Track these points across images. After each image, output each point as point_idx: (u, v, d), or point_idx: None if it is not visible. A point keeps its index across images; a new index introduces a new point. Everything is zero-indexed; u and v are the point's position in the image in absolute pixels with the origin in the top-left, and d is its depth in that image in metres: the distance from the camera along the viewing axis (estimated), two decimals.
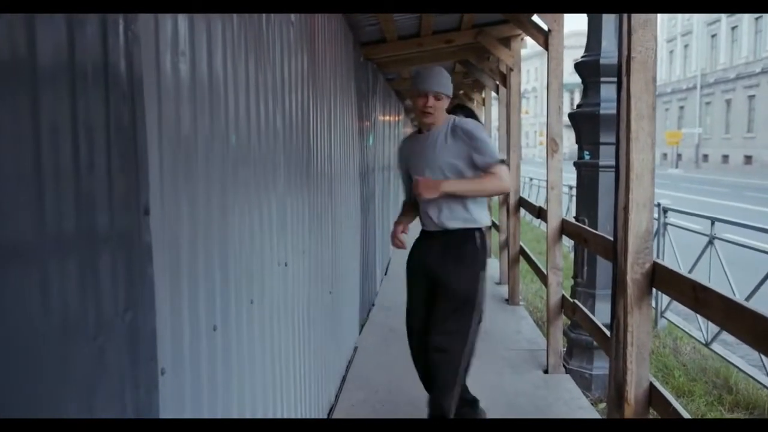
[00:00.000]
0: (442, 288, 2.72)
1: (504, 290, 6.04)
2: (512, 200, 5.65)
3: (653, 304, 5.30)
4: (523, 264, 5.69)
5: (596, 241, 3.13)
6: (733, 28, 34.45)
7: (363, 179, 5.05)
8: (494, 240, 7.52)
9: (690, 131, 35.83)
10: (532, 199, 10.24)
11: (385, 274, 7.19)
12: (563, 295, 3.90)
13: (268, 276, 2.09)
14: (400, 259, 8.10)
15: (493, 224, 7.36)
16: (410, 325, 3.01)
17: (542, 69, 61.98)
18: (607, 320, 4.06)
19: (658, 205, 5.44)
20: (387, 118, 7.71)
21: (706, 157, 36.14)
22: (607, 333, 3.41)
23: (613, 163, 4.20)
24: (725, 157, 34.24)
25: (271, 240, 2.15)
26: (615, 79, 4.08)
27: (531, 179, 14.96)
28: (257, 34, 2.00)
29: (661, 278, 2.32)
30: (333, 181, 3.46)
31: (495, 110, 11.12)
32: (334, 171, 3.51)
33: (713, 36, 36.54)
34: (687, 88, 38.92)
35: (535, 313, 5.79)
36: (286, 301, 2.34)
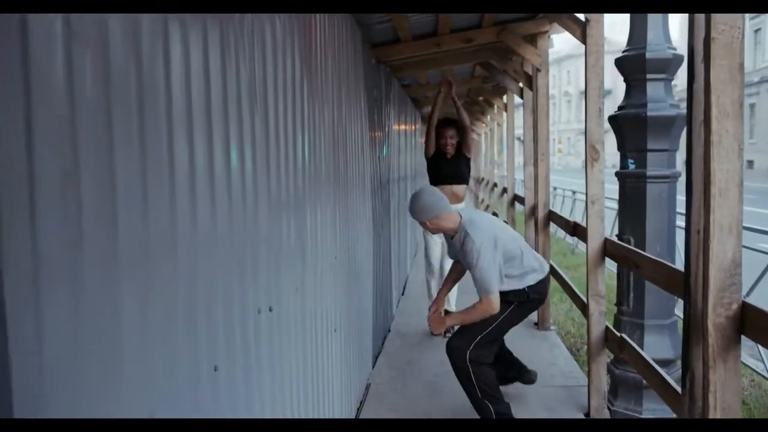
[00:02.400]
0: None
1: (533, 313, 5.47)
2: (541, 214, 5.12)
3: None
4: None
5: (654, 268, 2.59)
6: (756, 31, 33.79)
7: (375, 193, 4.56)
8: None
9: None
10: (555, 209, 9.64)
11: (402, 294, 6.67)
12: (607, 327, 3.35)
13: (240, 330, 1.60)
14: (418, 276, 7.65)
15: None
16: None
17: (558, 76, 61.20)
18: (658, 355, 3.53)
19: None
20: (403, 127, 7.21)
21: None
22: (659, 371, 2.88)
23: (662, 172, 3.67)
24: (750, 163, 33.80)
25: (244, 282, 1.66)
26: (662, 76, 3.57)
27: (555, 188, 14.36)
28: (224, 30, 1.53)
29: (754, 324, 1.79)
30: (338, 198, 2.98)
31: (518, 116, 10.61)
32: (339, 187, 3.02)
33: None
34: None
35: (567, 338, 5.24)
36: (271, 357, 1.85)
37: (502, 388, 3.29)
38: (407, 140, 8.02)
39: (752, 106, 33.98)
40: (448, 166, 4.77)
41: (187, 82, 1.33)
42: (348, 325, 3.19)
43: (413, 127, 9.06)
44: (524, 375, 3.65)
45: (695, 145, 1.98)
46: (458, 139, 4.79)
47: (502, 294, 3.01)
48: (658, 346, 3.39)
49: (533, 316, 5.31)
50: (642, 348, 3.36)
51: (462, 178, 4.81)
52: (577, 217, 10.56)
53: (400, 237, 6.66)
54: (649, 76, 3.42)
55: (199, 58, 1.39)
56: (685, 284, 2.06)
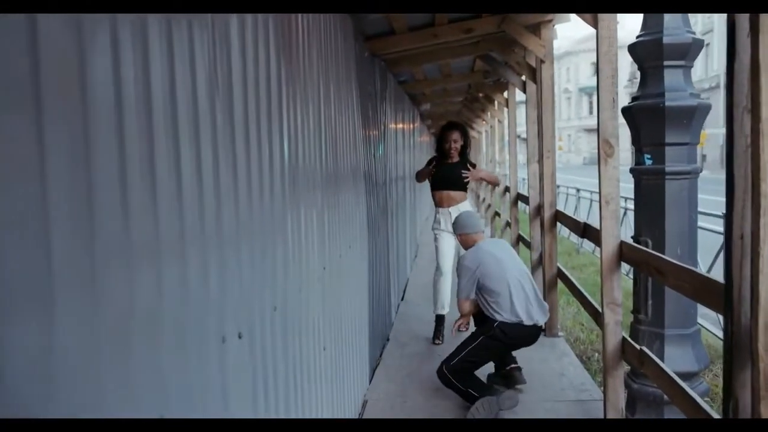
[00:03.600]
0: None
1: None
2: (547, 213, 4.83)
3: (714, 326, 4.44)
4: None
5: (681, 276, 2.30)
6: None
7: (371, 194, 4.27)
8: (524, 256, 6.69)
9: (714, 131, 34.61)
10: (557, 208, 9.35)
11: (402, 298, 6.37)
12: (624, 338, 3.06)
13: (198, 362, 1.32)
14: (418, 279, 7.36)
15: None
16: None
17: (558, 73, 60.71)
18: (681, 368, 3.24)
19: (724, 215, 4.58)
20: (400, 125, 6.91)
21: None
22: (687, 390, 2.59)
23: (682, 168, 3.38)
24: None
25: (207, 306, 1.37)
26: (681, 63, 3.26)
27: (558, 186, 14.04)
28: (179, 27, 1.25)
29: None
30: (326, 202, 2.69)
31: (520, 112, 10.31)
32: (328, 189, 2.74)
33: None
34: (710, 87, 37.41)
35: (577, 345, 4.94)
36: (241, 390, 1.56)
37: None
38: (405, 138, 7.73)
39: None
40: (451, 172, 4.75)
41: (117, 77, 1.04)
42: (340, 340, 2.90)
43: (411, 126, 8.76)
44: (512, 376, 3.77)
45: (737, 136, 1.69)
46: (462, 143, 4.74)
47: (487, 317, 3.56)
48: (680, 358, 3.11)
49: None
50: (662, 360, 3.07)
51: (461, 185, 4.78)
52: (582, 216, 10.36)
53: (398, 239, 6.37)
54: (666, 62, 3.14)
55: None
56: (725, 298, 1.77)
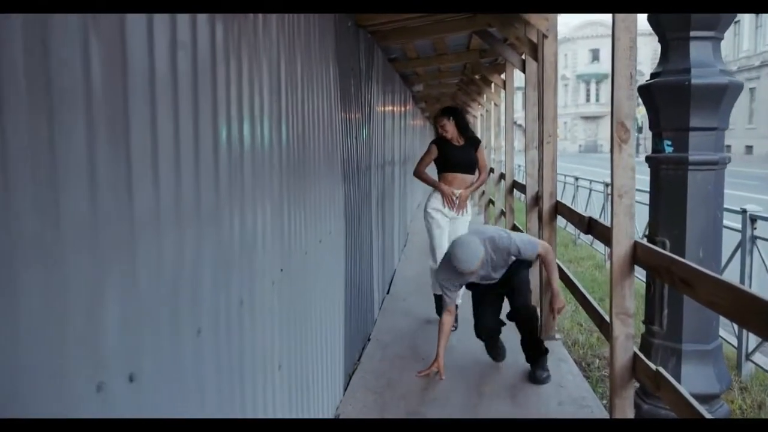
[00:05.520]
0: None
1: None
2: (546, 204, 4.39)
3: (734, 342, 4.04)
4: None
5: (720, 292, 1.86)
6: (756, 14, 32.97)
7: (351, 180, 3.82)
8: None
9: None
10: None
11: (388, 292, 5.94)
12: (636, 354, 2.63)
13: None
14: (407, 271, 6.92)
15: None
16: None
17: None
18: (700, 389, 2.81)
19: (744, 211, 4.14)
20: (389, 107, 6.43)
21: (729, 148, 34.58)
22: (707, 416, 2.18)
23: (708, 157, 2.86)
24: (749, 148, 33.55)
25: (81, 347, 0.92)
26: (710, 34, 2.72)
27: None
28: None
29: None
30: (288, 192, 2.24)
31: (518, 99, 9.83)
32: (291, 176, 2.28)
33: (736, 22, 34.64)
34: (762, 64, 36.10)
35: (576, 350, 4.52)
36: None
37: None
38: (396, 121, 7.25)
39: (752, 90, 33.81)
40: (459, 154, 4.64)
41: None
42: (301, 353, 2.46)
43: (403, 108, 8.27)
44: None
45: None
46: (455, 124, 4.63)
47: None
48: (699, 377, 2.70)
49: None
50: (678, 379, 2.66)
51: (472, 167, 4.70)
52: (580, 207, 9.90)
53: (385, 228, 5.92)
54: (693, 33, 2.67)
55: None
56: None
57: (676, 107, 2.69)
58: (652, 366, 2.46)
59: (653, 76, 2.83)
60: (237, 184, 1.70)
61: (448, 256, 3.46)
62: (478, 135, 13.90)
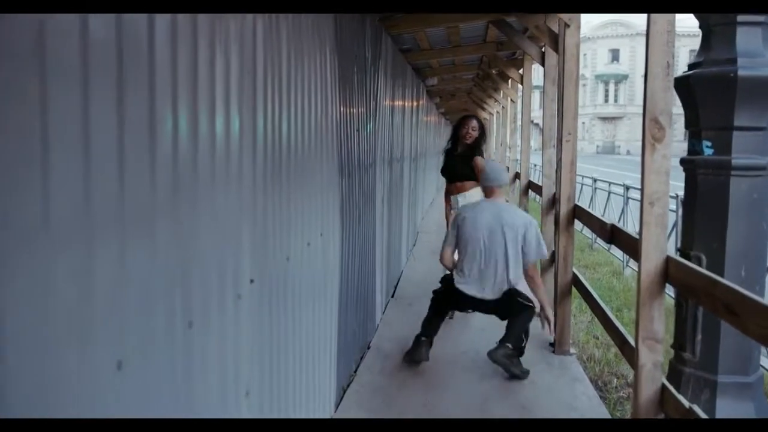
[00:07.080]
0: None
1: (548, 332, 4.39)
2: (564, 209, 4.04)
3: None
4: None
5: None
6: None
7: (351, 177, 3.50)
8: None
9: None
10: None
11: (393, 296, 5.62)
12: (664, 386, 2.29)
13: None
14: (414, 272, 6.58)
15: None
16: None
17: None
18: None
19: None
20: (399, 101, 6.08)
21: None
22: None
23: (755, 161, 2.39)
24: None
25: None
26: (761, 19, 2.32)
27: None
28: None
29: None
30: (265, 190, 1.93)
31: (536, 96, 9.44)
32: (266, 178, 1.96)
33: None
34: None
35: (591, 367, 4.17)
36: None
37: None
38: (407, 116, 6.90)
39: None
40: (453, 164, 5.02)
41: None
42: (278, 373, 2.14)
43: (415, 102, 7.91)
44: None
45: None
46: (477, 136, 4.91)
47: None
48: (736, 413, 2.34)
49: (547, 333, 4.17)
50: (713, 415, 2.31)
51: (465, 176, 4.94)
52: (597, 211, 9.50)
53: (391, 228, 5.60)
54: (740, 18, 2.31)
55: None
56: None
57: (718, 103, 2.34)
58: (685, 403, 2.11)
59: (692, 67, 2.48)
60: (202, 186, 1.40)
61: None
62: (494, 132, 13.58)
